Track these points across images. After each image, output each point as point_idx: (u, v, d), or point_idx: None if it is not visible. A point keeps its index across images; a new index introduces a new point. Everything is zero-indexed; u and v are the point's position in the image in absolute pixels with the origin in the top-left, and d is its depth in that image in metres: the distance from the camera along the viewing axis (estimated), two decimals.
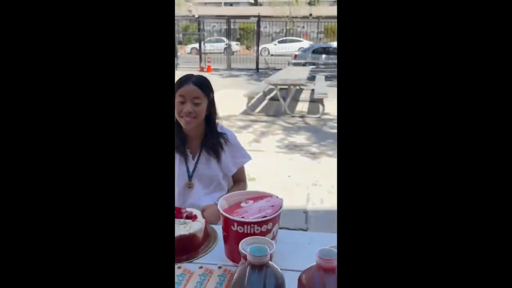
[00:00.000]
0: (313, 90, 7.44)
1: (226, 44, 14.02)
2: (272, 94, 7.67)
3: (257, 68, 13.06)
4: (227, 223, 0.94)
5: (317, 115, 6.17)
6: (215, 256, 0.98)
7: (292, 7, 22.40)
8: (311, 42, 17.00)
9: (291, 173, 3.74)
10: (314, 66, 11.29)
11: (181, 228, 0.99)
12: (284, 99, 6.53)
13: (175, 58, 11.99)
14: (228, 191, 1.45)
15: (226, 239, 0.98)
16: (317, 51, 12.97)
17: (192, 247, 0.99)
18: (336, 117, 6.51)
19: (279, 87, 6.66)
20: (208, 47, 14.31)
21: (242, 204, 1.03)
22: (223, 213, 0.96)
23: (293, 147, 4.61)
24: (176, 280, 0.84)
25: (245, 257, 0.66)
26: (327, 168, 3.90)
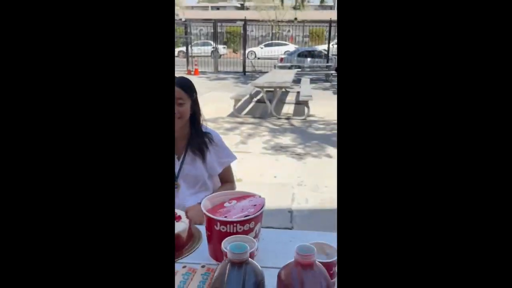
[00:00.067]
0: (298, 92, 7.50)
1: (213, 47, 13.99)
2: (258, 97, 7.68)
3: (244, 71, 13.06)
4: (210, 223, 0.95)
5: (303, 117, 6.20)
6: (199, 255, 0.98)
7: (277, 11, 22.53)
8: (296, 46, 17.11)
9: (277, 173, 3.76)
10: (299, 69, 11.37)
11: None
12: (270, 101, 6.55)
13: None
14: (215, 192, 1.45)
15: (209, 238, 0.98)
16: (302, 55, 13.07)
17: (176, 247, 0.99)
18: (320, 119, 6.56)
19: (265, 89, 6.67)
20: (195, 50, 14.23)
21: (226, 204, 1.03)
22: (206, 213, 0.96)
23: (279, 148, 4.63)
24: None
25: (227, 255, 0.66)
26: (312, 168, 3.93)
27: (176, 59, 15.65)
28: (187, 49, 13.39)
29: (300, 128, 5.67)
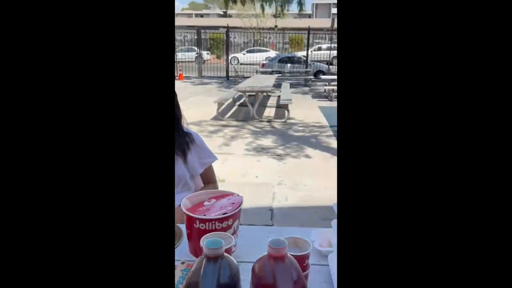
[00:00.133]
0: (279, 96, 7.54)
1: (197, 53, 13.91)
2: (241, 101, 7.69)
3: (227, 76, 13.05)
4: (190, 221, 0.95)
5: (283, 120, 6.25)
6: (180, 252, 0.98)
7: (259, 19, 22.63)
8: (277, 52, 17.21)
9: (258, 173, 3.77)
10: (280, 75, 11.48)
11: None
12: (252, 105, 6.57)
13: None
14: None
15: (189, 236, 0.98)
16: (282, 60, 13.18)
17: None
18: (300, 121, 6.62)
19: (247, 94, 6.69)
20: (179, 56, 14.14)
21: (205, 203, 1.03)
22: (186, 212, 0.96)
23: (260, 150, 4.64)
24: None
25: None
26: (291, 168, 3.97)
27: None
28: None
29: (280, 130, 5.71)
